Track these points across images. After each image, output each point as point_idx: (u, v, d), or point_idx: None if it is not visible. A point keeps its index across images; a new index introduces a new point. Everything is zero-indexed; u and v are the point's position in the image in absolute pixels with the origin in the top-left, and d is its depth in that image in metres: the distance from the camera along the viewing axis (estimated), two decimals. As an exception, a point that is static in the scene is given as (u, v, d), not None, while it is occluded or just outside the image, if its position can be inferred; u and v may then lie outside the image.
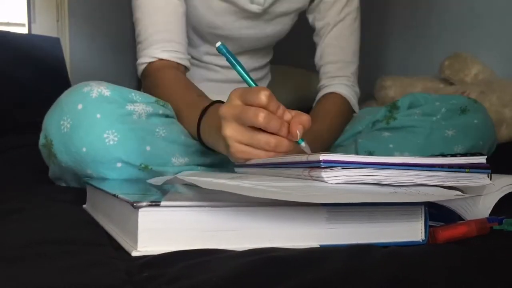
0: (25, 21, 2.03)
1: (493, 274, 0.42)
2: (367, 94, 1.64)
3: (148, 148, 0.77)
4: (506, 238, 0.53)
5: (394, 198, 0.48)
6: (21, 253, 0.46)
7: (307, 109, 0.92)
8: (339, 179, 0.50)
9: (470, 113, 0.94)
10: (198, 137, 0.79)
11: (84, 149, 0.73)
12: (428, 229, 0.52)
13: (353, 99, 1.08)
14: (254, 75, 1.18)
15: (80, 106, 0.74)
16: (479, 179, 0.54)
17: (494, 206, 0.60)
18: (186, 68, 0.99)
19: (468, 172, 0.54)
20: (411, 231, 0.51)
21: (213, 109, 0.77)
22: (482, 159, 0.55)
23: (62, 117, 0.74)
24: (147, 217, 0.45)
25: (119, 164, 0.75)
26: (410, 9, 1.92)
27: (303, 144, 0.65)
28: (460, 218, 0.59)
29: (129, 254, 0.45)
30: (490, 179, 0.55)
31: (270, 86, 1.27)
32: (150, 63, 0.96)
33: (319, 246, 0.48)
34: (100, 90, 0.75)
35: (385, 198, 0.48)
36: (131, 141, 0.75)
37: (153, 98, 0.82)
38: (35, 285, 0.38)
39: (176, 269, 0.40)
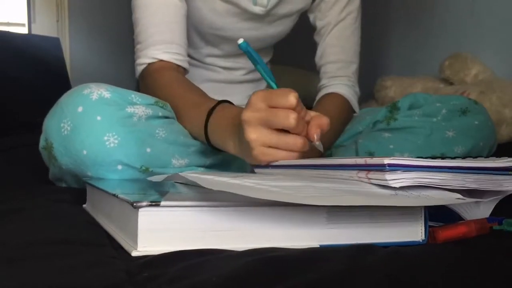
0: (25, 21, 2.03)
1: (493, 274, 0.42)
2: (367, 94, 1.64)
3: (148, 150, 0.77)
4: (506, 238, 0.53)
5: (394, 202, 0.48)
6: (21, 253, 0.46)
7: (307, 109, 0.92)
8: (402, 182, 0.52)
9: (470, 114, 0.94)
10: (205, 137, 0.79)
11: (85, 152, 0.73)
12: (428, 229, 0.52)
13: (353, 99, 1.08)
14: (255, 75, 1.18)
15: (80, 109, 0.74)
16: None
17: (494, 206, 0.60)
18: (185, 70, 0.99)
19: (511, 174, 0.55)
20: (411, 231, 0.51)
21: (220, 109, 0.77)
22: None
23: (62, 119, 0.74)
24: (147, 217, 0.45)
25: (119, 167, 0.75)
26: (410, 9, 1.92)
27: (317, 143, 0.66)
28: (460, 218, 0.59)
29: (129, 254, 0.45)
30: None
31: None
32: (150, 64, 0.96)
33: (319, 246, 0.48)
34: (100, 92, 0.75)
35: (385, 202, 0.48)
36: (131, 144, 0.75)
37: (152, 100, 0.82)
38: (35, 285, 0.38)
39: (176, 269, 0.40)
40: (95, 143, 0.73)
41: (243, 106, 0.68)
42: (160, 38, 0.95)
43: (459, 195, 0.53)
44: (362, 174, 0.55)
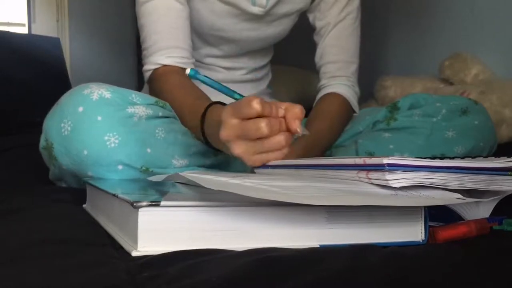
0: (25, 21, 2.03)
1: (493, 274, 0.42)
2: (367, 94, 1.64)
3: (148, 150, 0.77)
4: (506, 238, 0.53)
5: (394, 202, 0.48)
6: (21, 253, 0.46)
7: (307, 109, 0.92)
8: (402, 182, 0.51)
9: (470, 114, 0.95)
10: (205, 142, 0.79)
11: (85, 152, 0.73)
12: (428, 229, 0.52)
13: (353, 99, 1.08)
14: (255, 75, 1.18)
15: (80, 109, 0.74)
16: None
17: (494, 206, 0.60)
18: None
19: (510, 175, 0.55)
20: (411, 231, 0.51)
21: (209, 114, 0.77)
22: None
23: (63, 119, 0.74)
24: (147, 217, 0.45)
25: (120, 167, 0.75)
26: (410, 9, 1.92)
27: (301, 133, 0.68)
28: (460, 218, 0.59)
29: (129, 254, 0.45)
30: None
31: (270, 86, 1.27)
32: (155, 69, 0.97)
33: (319, 246, 0.48)
34: (100, 92, 0.75)
35: (385, 201, 0.48)
36: (132, 144, 0.75)
37: (152, 99, 0.83)
38: (35, 285, 0.38)
39: (176, 269, 0.40)
40: (96, 143, 0.73)
41: None
42: (163, 44, 0.97)
43: (459, 195, 0.53)
44: (363, 174, 0.55)
